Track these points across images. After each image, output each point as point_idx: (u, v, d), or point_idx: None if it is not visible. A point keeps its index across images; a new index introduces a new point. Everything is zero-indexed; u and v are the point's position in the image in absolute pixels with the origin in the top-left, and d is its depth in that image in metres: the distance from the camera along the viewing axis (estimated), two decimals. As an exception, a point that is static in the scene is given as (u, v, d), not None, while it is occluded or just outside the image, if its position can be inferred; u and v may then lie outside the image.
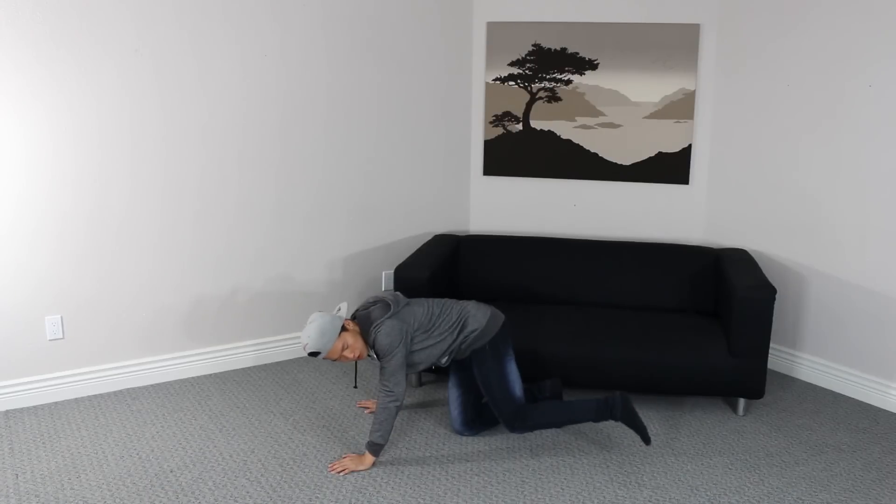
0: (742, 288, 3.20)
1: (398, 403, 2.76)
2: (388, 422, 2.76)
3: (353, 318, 2.92)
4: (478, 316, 2.94)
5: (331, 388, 3.61)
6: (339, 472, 2.77)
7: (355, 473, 2.78)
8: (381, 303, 2.87)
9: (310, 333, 2.73)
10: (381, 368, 2.79)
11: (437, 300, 3.00)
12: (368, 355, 2.86)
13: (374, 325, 2.80)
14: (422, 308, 2.91)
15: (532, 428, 2.94)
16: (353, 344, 2.77)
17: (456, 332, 2.90)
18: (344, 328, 2.80)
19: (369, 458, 2.81)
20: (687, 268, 3.81)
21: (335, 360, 2.85)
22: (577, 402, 2.95)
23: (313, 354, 2.74)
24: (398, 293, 2.95)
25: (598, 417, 2.90)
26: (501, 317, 3.00)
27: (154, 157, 3.48)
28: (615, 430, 3.18)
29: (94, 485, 2.68)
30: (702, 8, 3.99)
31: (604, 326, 3.43)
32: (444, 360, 2.95)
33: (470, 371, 3.05)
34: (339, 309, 2.88)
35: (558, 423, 2.97)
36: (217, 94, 3.58)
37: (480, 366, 2.92)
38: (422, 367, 2.94)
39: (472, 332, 2.90)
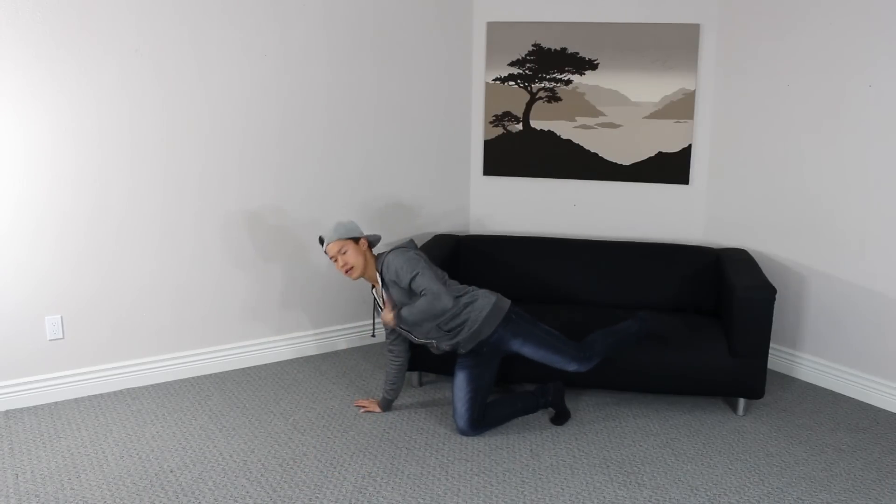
0: (742, 288, 3.20)
1: (445, 306, 2.88)
2: (426, 310, 2.89)
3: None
4: (485, 295, 3.06)
5: (331, 388, 3.61)
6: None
7: (355, 474, 2.78)
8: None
9: (331, 223, 3.09)
10: (415, 293, 2.95)
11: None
12: (375, 290, 3.05)
13: (381, 256, 3.03)
14: (432, 268, 3.08)
15: (491, 426, 3.14)
16: (351, 254, 3.00)
17: (462, 304, 3.00)
18: (356, 241, 3.03)
19: (392, 319, 2.97)
20: (687, 268, 3.81)
21: (331, 260, 3.13)
22: (519, 394, 3.22)
23: (321, 241, 3.06)
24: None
25: (537, 405, 3.20)
26: (508, 301, 3.09)
27: (154, 157, 3.48)
28: (614, 429, 3.19)
29: (94, 485, 2.68)
30: (702, 8, 3.99)
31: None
32: (446, 336, 3.02)
33: (481, 368, 3.07)
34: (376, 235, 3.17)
35: (510, 416, 3.18)
36: (217, 94, 3.58)
37: (517, 334, 3.02)
38: (421, 327, 3.01)
39: (483, 308, 2.99)
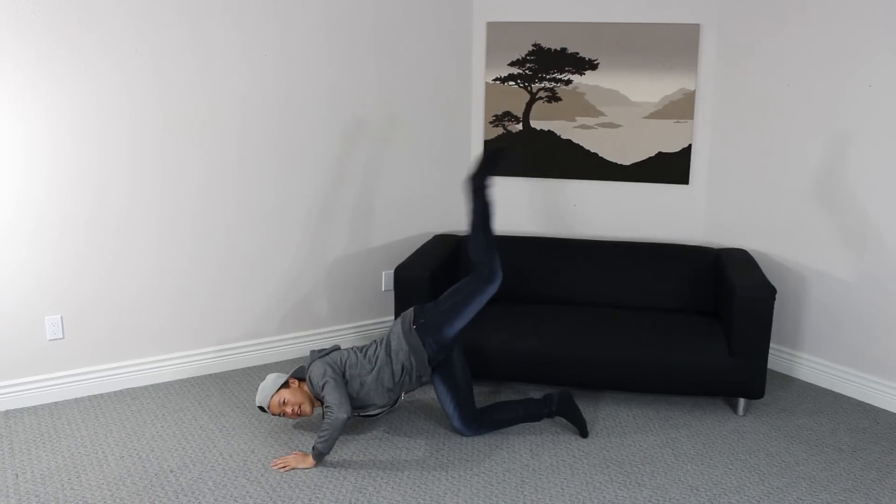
0: (742, 288, 3.21)
1: (342, 419, 2.79)
2: (332, 432, 2.79)
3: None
4: (394, 334, 3.03)
5: (331, 388, 3.61)
6: (280, 469, 2.81)
7: (355, 474, 2.78)
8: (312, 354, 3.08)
9: (258, 389, 3.00)
10: (325, 405, 2.87)
11: (366, 345, 3.11)
12: (322, 404, 2.93)
13: (306, 372, 3.02)
14: (348, 350, 3.06)
15: (491, 429, 3.14)
16: (291, 399, 2.94)
17: (389, 355, 2.99)
18: (287, 385, 3.00)
19: (311, 461, 2.84)
20: (687, 268, 3.81)
21: (281, 416, 3.00)
22: (523, 400, 3.17)
23: (261, 409, 2.99)
24: (334, 346, 3.12)
25: (539, 415, 3.12)
26: (409, 315, 3.06)
27: (154, 157, 3.48)
28: (614, 429, 3.19)
29: (94, 485, 2.68)
30: (702, 8, 3.99)
31: (604, 326, 3.43)
32: (408, 382, 3.02)
33: (447, 365, 3.06)
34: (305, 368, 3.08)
35: (510, 422, 3.14)
36: (217, 94, 3.58)
37: (433, 326, 3.00)
38: (376, 401, 2.99)
39: (399, 340, 2.99)
